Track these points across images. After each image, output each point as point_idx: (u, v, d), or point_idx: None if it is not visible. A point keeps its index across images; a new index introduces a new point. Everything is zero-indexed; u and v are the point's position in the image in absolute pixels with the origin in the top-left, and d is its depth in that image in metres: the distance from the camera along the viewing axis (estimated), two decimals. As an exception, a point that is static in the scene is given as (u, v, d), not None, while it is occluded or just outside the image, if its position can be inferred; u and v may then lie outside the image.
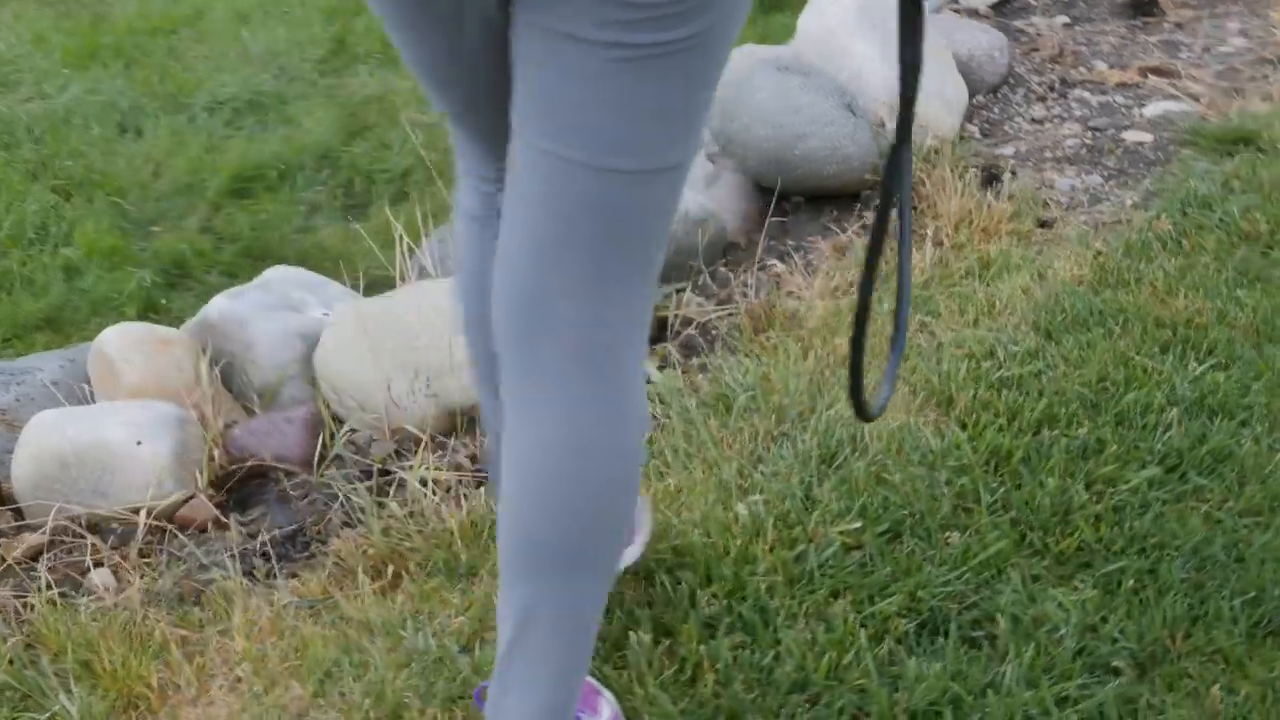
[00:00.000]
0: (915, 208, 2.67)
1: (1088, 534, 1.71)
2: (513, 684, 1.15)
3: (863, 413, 1.29)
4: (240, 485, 1.77)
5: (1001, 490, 1.80)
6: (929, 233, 2.53)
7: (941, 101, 3.01)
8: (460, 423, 1.96)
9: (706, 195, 2.61)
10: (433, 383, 1.99)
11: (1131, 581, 1.64)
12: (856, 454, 1.90)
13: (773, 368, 2.07)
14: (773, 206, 2.66)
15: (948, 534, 1.75)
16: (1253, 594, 1.59)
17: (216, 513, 1.71)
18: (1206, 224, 2.51)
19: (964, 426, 1.94)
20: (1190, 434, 1.89)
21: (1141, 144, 2.99)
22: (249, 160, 3.08)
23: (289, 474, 1.77)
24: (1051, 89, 3.35)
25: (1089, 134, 3.06)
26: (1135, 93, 3.27)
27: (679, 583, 1.63)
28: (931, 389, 2.04)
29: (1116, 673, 1.54)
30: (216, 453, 1.78)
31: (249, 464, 1.75)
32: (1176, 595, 1.61)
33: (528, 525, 1.12)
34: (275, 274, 2.16)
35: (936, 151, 2.84)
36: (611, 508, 1.14)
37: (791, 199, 2.76)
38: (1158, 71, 3.42)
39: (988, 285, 2.34)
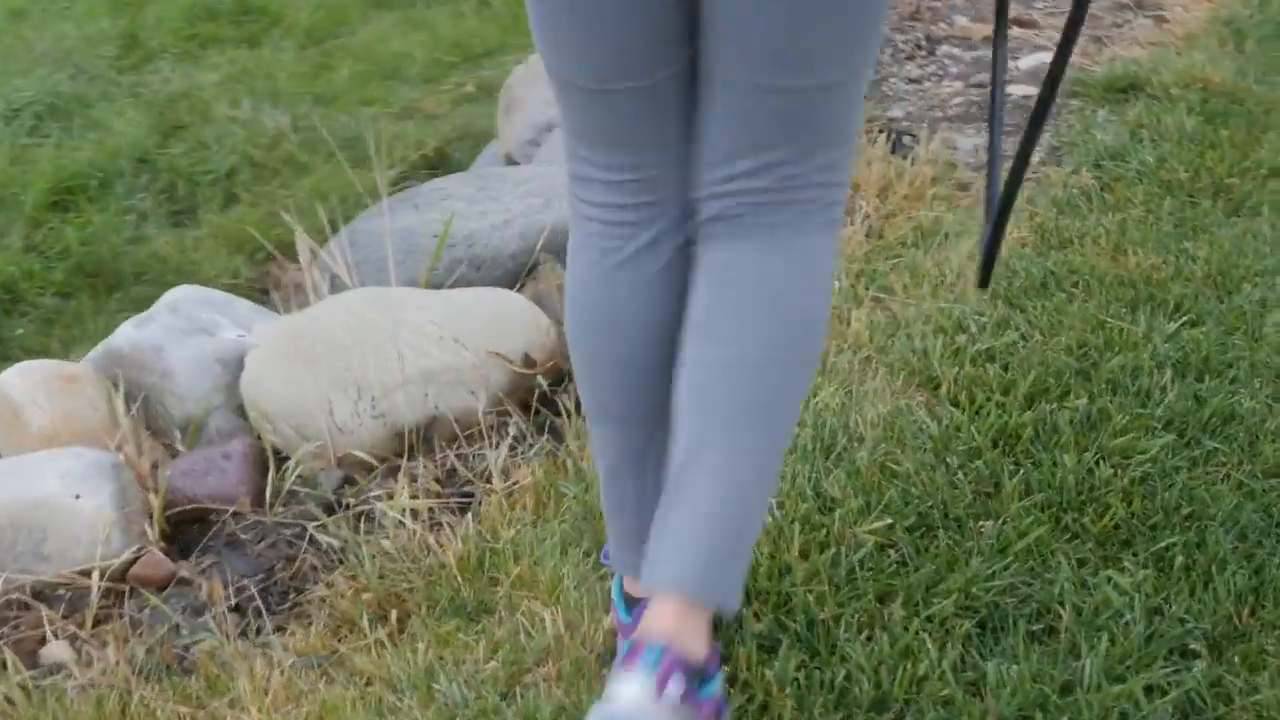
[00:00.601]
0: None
1: (1121, 511, 1.74)
2: (685, 518, 1.21)
3: (985, 279, 1.40)
4: (179, 532, 1.58)
5: (1020, 472, 1.82)
6: (856, 204, 2.54)
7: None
8: (415, 442, 1.81)
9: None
10: (378, 401, 1.84)
11: (1181, 558, 1.68)
12: (855, 443, 1.87)
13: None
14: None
15: (980, 524, 1.74)
16: (1307, 559, 1.67)
17: (174, 567, 1.52)
18: (1125, 175, 2.62)
19: (958, 406, 1.94)
20: (1186, 396, 1.97)
21: (1028, 98, 3.10)
22: (63, 169, 2.97)
23: (236, 515, 1.59)
24: (919, 47, 3.44)
25: (972, 91, 3.16)
26: (1010, 48, 3.39)
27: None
28: (912, 369, 2.04)
29: (1193, 655, 1.57)
30: (156, 499, 1.59)
31: (187, 508, 1.55)
32: (1233, 569, 1.67)
33: (753, 372, 1.22)
34: (178, 295, 1.95)
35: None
36: (816, 358, 1.30)
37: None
38: (1019, 23, 3.58)
39: (932, 255, 2.37)
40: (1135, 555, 1.68)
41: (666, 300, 1.29)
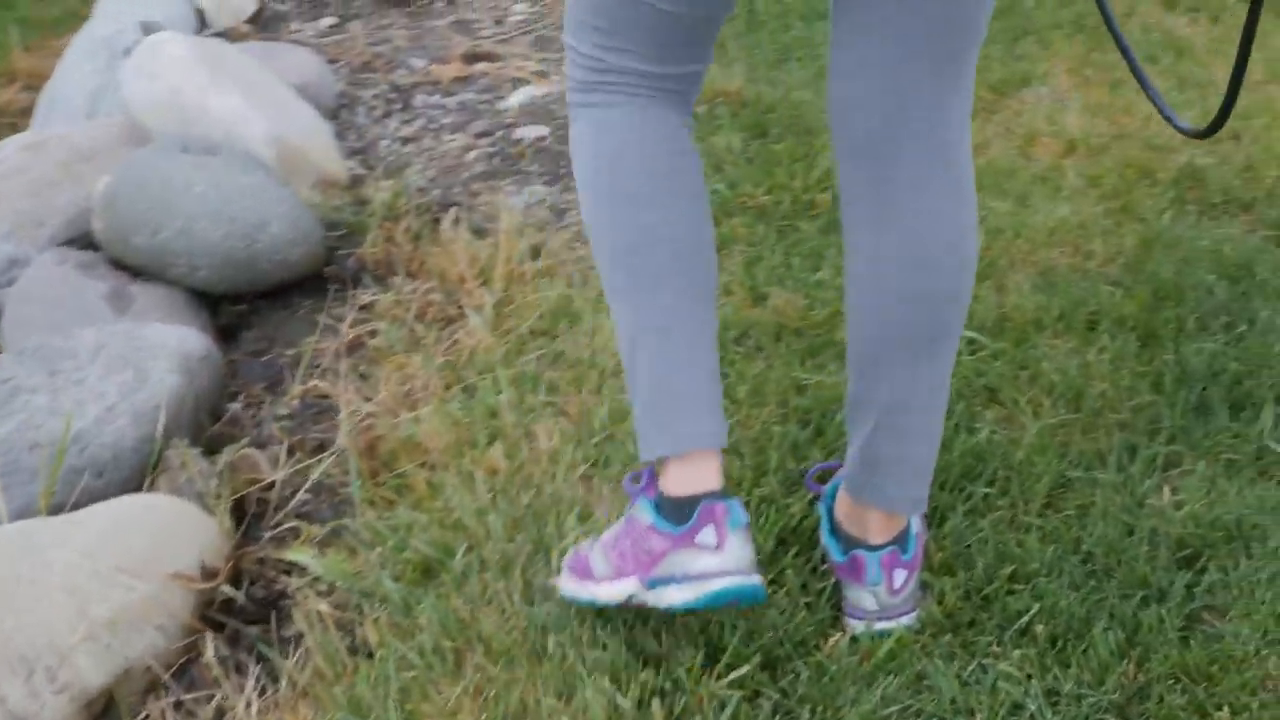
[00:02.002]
0: (410, 275, 2.69)
1: (950, 585, 1.95)
2: (889, 460, 1.73)
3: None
4: None
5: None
6: (457, 301, 2.56)
7: (318, 144, 3.02)
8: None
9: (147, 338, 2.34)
10: (57, 671, 1.63)
11: (1042, 627, 1.80)
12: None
13: (442, 516, 1.98)
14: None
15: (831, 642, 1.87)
16: None
17: None
18: (723, 205, 2.88)
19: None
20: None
21: (543, 139, 3.31)
22: None
23: None
24: (391, 101, 3.52)
25: (481, 142, 3.30)
26: (479, 85, 3.58)
27: None
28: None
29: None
30: None
31: None
32: (1102, 625, 1.81)
33: (914, 309, 1.65)
34: None
35: (365, 204, 2.86)
36: (970, 282, 1.67)
37: (237, 307, 2.64)
38: (478, 57, 3.77)
39: (575, 339, 2.47)
40: (999, 637, 1.76)
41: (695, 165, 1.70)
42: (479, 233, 2.69)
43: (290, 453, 2.15)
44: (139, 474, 1.96)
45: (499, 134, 3.21)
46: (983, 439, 2.09)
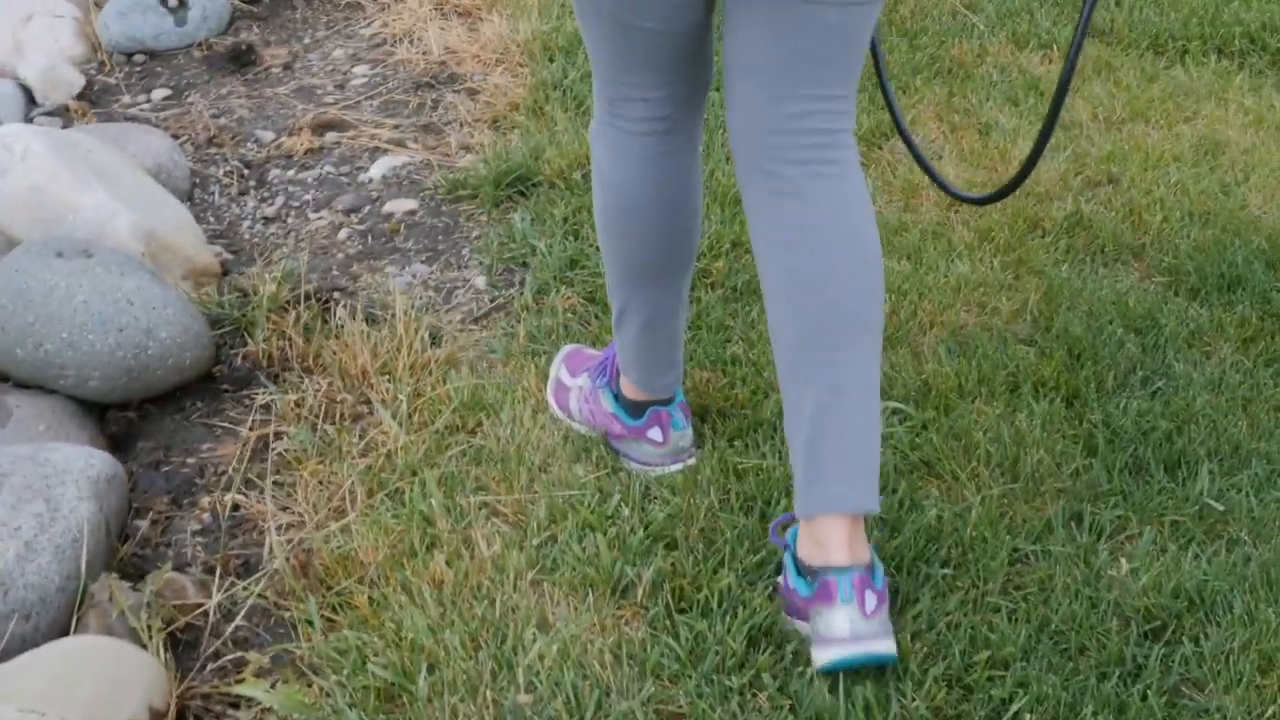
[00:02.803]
0: (306, 371, 2.67)
1: (938, 680, 2.03)
2: (829, 459, 1.92)
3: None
4: None
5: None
6: (369, 400, 2.55)
7: (184, 233, 2.95)
8: None
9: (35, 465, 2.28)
10: None
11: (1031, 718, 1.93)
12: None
13: (393, 635, 1.98)
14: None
15: None
16: None
17: None
18: (601, 284, 2.92)
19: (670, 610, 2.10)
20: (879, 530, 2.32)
21: (413, 213, 3.30)
22: None
23: None
24: (244, 177, 3.48)
25: (352, 219, 3.28)
26: (334, 156, 3.55)
27: None
28: (591, 579, 2.16)
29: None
30: None
31: None
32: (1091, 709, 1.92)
33: (828, 305, 1.90)
34: None
35: (249, 294, 2.82)
36: (880, 277, 1.96)
37: (124, 413, 2.59)
38: (327, 126, 3.75)
39: (500, 431, 2.48)
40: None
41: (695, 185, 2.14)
42: (371, 320, 2.69)
43: (214, 573, 2.13)
44: (66, 613, 1.93)
45: (366, 209, 3.22)
46: (931, 517, 2.18)
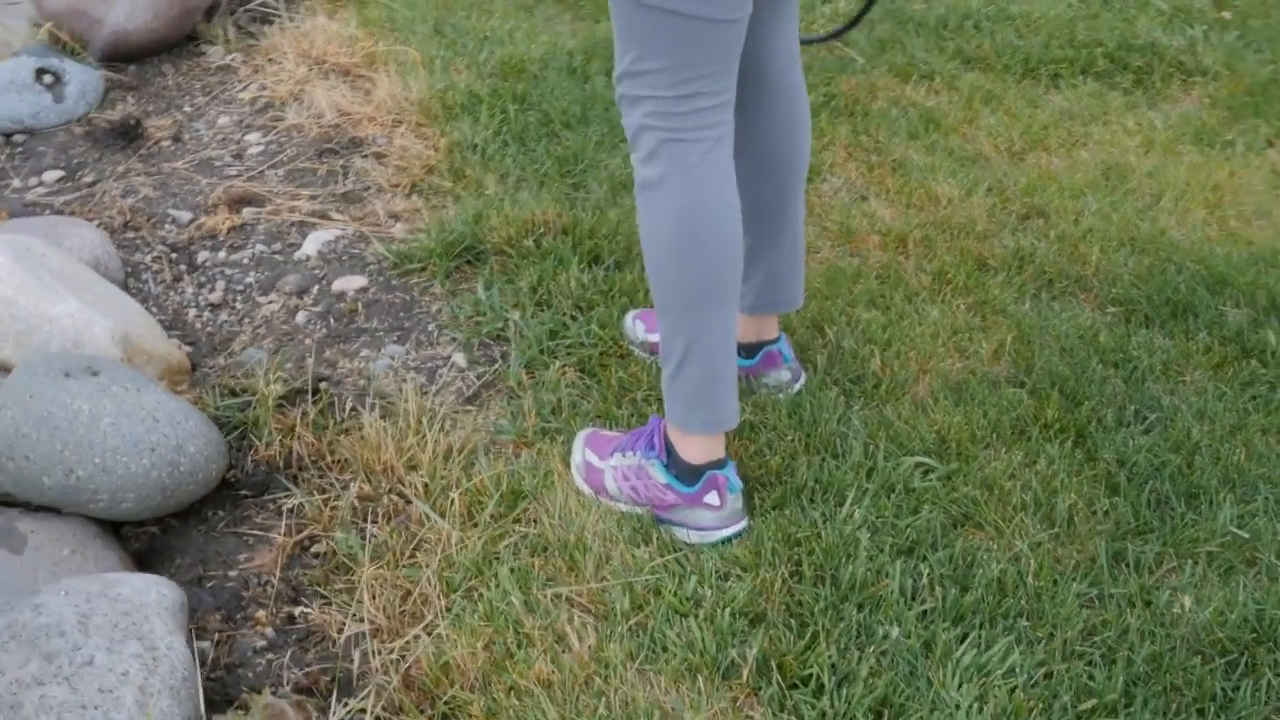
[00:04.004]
0: (323, 469, 2.69)
1: None
2: (785, 274, 2.68)
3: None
4: None
5: None
6: (364, 494, 2.58)
7: (148, 331, 2.91)
8: None
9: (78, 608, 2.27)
10: None
11: None
12: None
13: None
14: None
15: None
16: None
17: None
18: (588, 353, 3.02)
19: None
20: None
21: (365, 289, 3.32)
22: None
23: None
24: (173, 262, 3.42)
25: (305, 300, 3.28)
26: (260, 234, 3.52)
27: None
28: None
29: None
30: None
31: None
32: None
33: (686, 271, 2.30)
34: None
35: (243, 394, 2.82)
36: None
37: (142, 529, 2.58)
38: (241, 201, 3.72)
39: (548, 517, 2.55)
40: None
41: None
42: (386, 413, 2.74)
43: (308, 693, 2.17)
44: (196, 755, 1.95)
45: (316, 289, 3.25)
46: (996, 571, 2.35)
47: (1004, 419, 2.74)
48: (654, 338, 2.94)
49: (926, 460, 2.62)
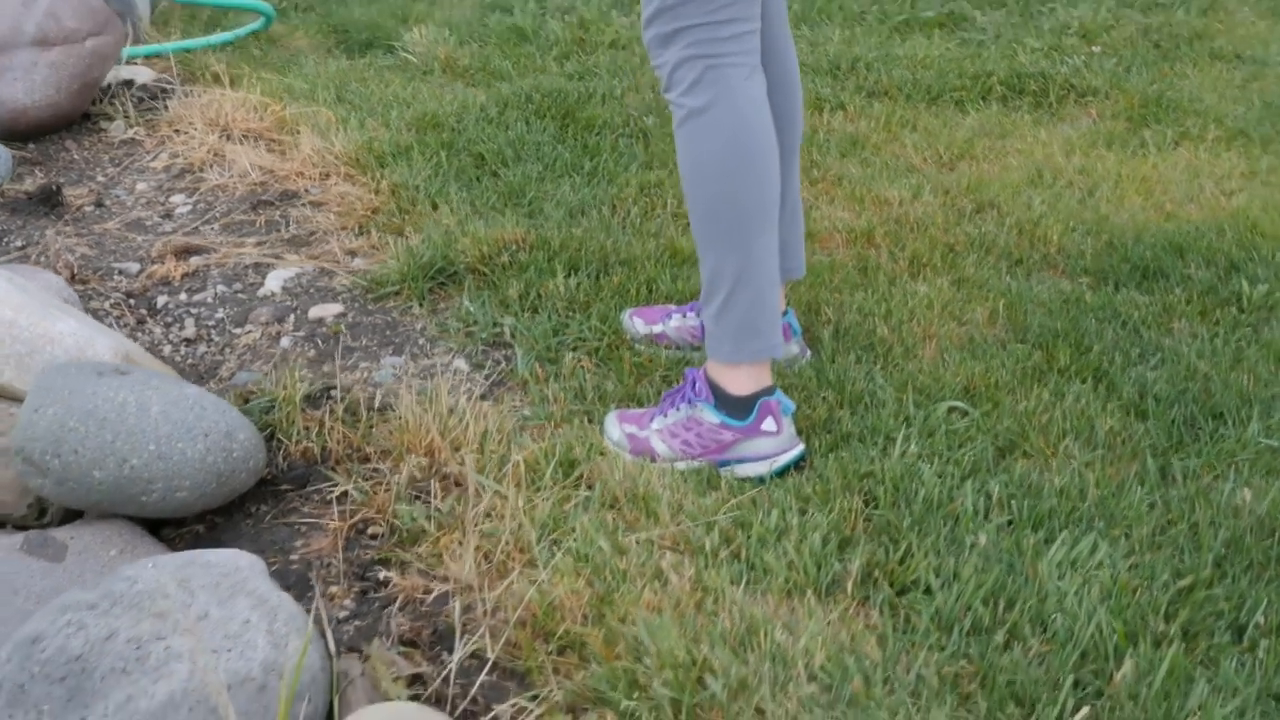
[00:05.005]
0: (363, 459, 2.70)
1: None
2: (793, 240, 2.87)
3: None
4: None
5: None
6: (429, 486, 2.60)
7: (149, 358, 2.93)
8: None
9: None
10: None
11: None
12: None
13: (668, 669, 2.09)
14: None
15: None
16: None
17: None
18: (595, 345, 3.09)
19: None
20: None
21: (343, 315, 3.31)
22: None
23: None
24: (133, 308, 3.39)
25: (284, 328, 3.29)
26: (216, 277, 3.53)
27: None
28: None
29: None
30: None
31: None
32: None
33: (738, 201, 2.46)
34: None
35: (263, 396, 2.82)
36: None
37: (182, 530, 2.57)
38: (187, 251, 3.73)
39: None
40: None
41: None
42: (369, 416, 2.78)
43: (413, 645, 2.19)
44: (328, 692, 1.97)
45: (291, 318, 3.28)
46: (1060, 484, 2.48)
47: (1020, 367, 2.88)
48: (656, 329, 3.03)
49: (959, 404, 2.74)
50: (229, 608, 2.03)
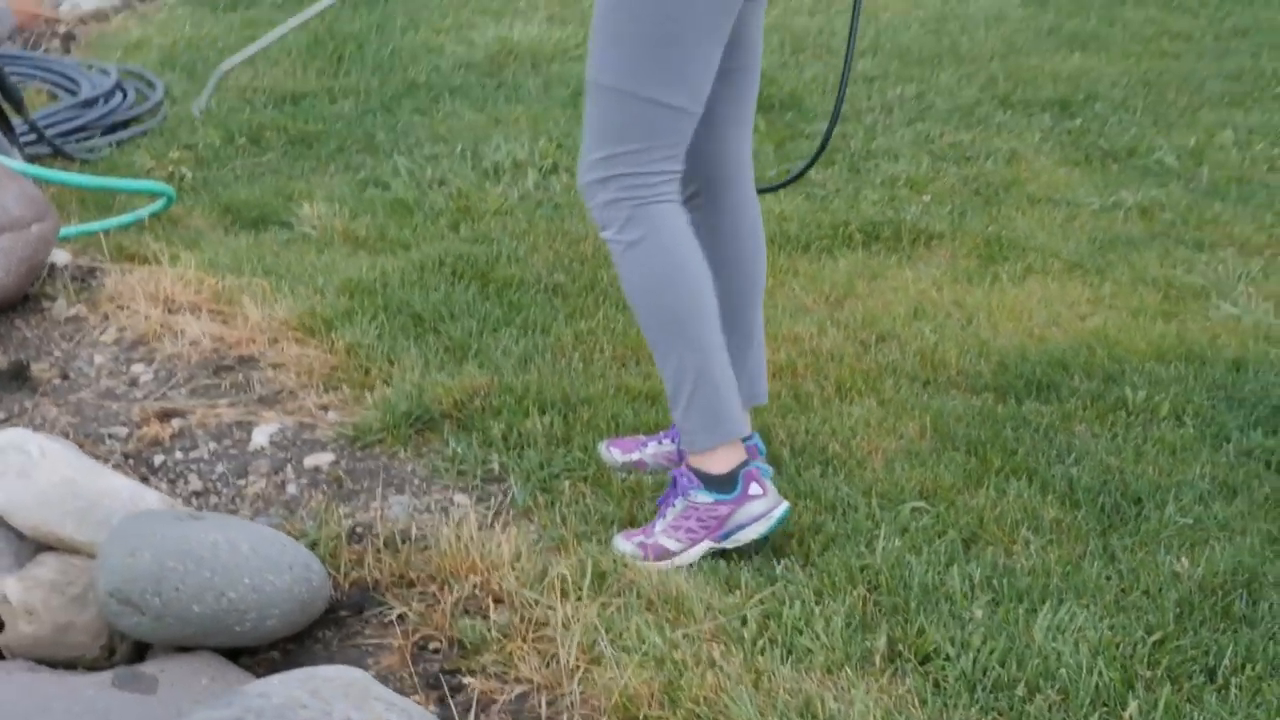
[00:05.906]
0: (410, 584, 2.90)
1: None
2: (757, 370, 3.22)
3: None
4: None
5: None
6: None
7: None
8: None
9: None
10: None
11: None
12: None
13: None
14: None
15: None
16: None
17: None
18: (586, 474, 3.35)
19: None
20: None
21: (337, 462, 3.48)
22: None
23: None
24: (133, 467, 3.52)
25: (280, 476, 3.46)
26: (204, 435, 3.67)
27: None
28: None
29: None
30: None
31: None
32: None
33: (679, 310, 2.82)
34: None
35: (300, 537, 2.99)
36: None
37: (258, 657, 2.75)
38: (167, 415, 3.87)
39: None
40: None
41: None
42: (418, 543, 2.99)
43: (513, 741, 2.40)
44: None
45: (289, 468, 3.47)
46: (1028, 565, 2.82)
47: (961, 471, 3.22)
48: (634, 457, 3.29)
49: (920, 504, 3.06)
50: (366, 712, 2.21)
